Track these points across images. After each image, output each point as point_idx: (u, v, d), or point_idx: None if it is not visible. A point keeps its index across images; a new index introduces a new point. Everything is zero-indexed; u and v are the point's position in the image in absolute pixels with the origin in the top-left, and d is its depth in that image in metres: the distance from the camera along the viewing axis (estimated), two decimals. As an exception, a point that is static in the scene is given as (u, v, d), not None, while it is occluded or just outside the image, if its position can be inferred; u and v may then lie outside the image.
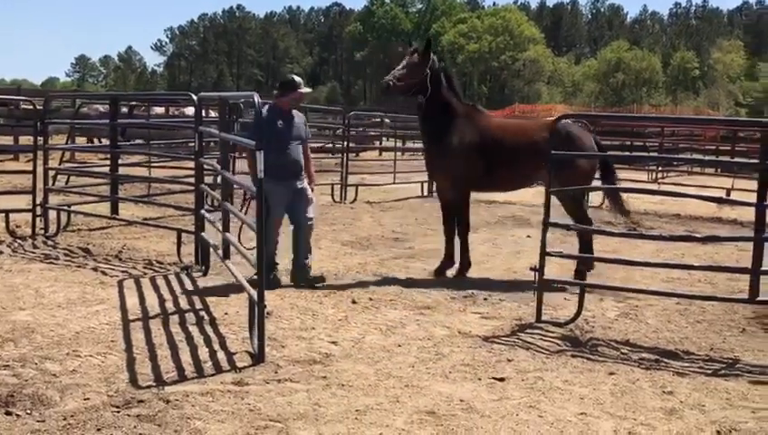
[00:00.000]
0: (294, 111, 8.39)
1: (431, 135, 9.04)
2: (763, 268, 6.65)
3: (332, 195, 16.25)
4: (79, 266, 8.90)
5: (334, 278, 8.73)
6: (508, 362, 6.03)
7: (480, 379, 5.63)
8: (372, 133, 28.24)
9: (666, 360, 6.24)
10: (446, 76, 8.99)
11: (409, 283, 8.66)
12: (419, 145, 27.52)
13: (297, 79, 8.46)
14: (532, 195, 15.32)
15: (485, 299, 8.03)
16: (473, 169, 8.95)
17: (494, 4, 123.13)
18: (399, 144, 25.51)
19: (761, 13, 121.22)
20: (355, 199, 16.08)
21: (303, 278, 8.29)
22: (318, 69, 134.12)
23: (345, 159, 16.63)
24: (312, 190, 8.58)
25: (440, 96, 8.87)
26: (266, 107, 8.07)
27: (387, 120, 26.65)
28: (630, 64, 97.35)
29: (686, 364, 6.17)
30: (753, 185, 7.05)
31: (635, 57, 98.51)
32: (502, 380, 5.60)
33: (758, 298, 6.70)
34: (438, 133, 8.94)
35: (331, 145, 24.89)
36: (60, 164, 14.98)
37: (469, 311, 7.60)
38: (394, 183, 18.29)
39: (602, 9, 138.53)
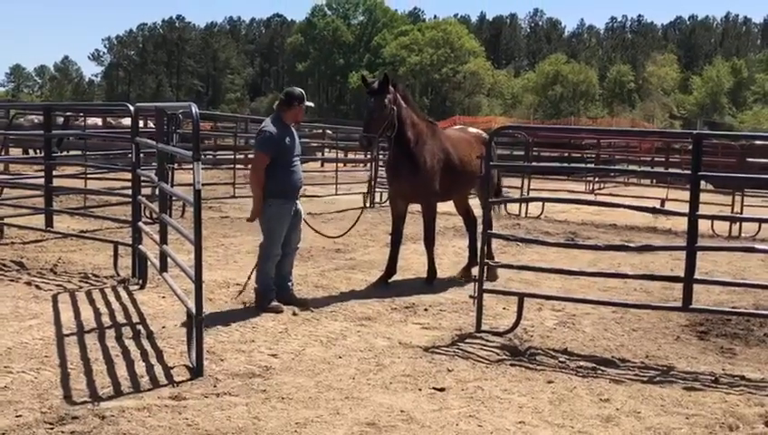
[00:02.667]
0: (291, 127, 8.04)
1: (401, 157, 8.97)
2: (695, 277, 6.80)
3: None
4: (12, 280, 8.69)
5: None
6: (448, 372, 6.06)
7: (420, 389, 5.64)
8: (314, 144, 28.17)
9: (602, 368, 6.34)
10: (403, 98, 8.99)
11: (350, 294, 8.66)
12: (361, 157, 27.59)
13: (303, 92, 8.02)
14: (472, 206, 15.43)
15: (426, 310, 8.07)
16: (441, 183, 9.18)
17: (434, 17, 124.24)
18: (341, 155, 25.50)
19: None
20: (296, 211, 15.98)
21: (291, 299, 7.98)
22: (259, 80, 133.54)
23: (286, 170, 16.50)
24: None
25: (405, 122, 8.90)
26: (270, 120, 7.85)
27: (328, 132, 26.62)
28: (568, 77, 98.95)
29: (623, 372, 6.27)
30: (687, 195, 7.22)
31: (572, 70, 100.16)
32: (442, 390, 5.63)
33: (691, 306, 6.84)
34: (409, 155, 8.94)
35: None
36: (-8, 176, 14.63)
37: (410, 321, 7.62)
38: (336, 194, 18.27)
39: (541, 23, 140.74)
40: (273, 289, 7.88)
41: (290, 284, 8.12)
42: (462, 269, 9.94)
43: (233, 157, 20.56)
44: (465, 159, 9.51)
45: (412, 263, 10.22)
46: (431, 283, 9.27)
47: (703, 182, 8.06)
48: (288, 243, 7.96)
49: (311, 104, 8.26)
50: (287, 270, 8.09)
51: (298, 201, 8.06)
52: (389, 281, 9.21)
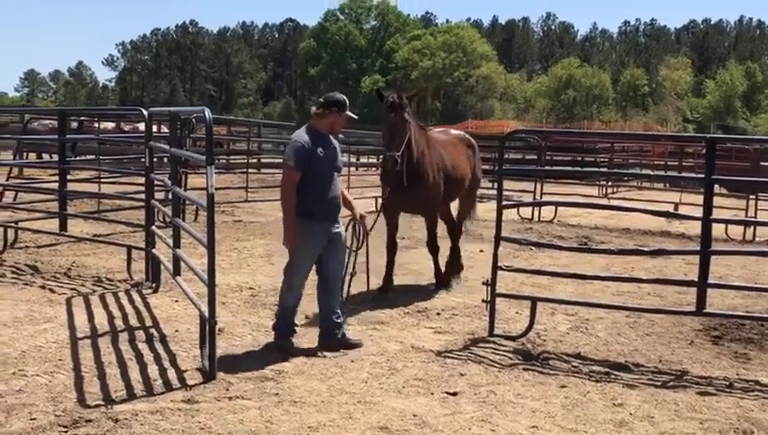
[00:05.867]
0: (331, 137, 6.87)
1: (405, 169, 8.27)
2: (709, 281, 6.77)
3: (286, 210, 16.19)
4: (26, 284, 8.74)
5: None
6: (461, 376, 6.05)
7: (433, 393, 5.64)
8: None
9: (616, 372, 6.32)
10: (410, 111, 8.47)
11: (362, 298, 8.62)
12: (373, 160, 27.57)
13: (344, 99, 6.87)
14: (485, 210, 15.40)
15: (438, 314, 8.06)
16: (440, 191, 9.00)
17: (447, 21, 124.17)
18: (353, 159, 25.52)
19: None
20: (309, 215, 16.01)
21: (328, 343, 6.73)
22: (272, 84, 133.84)
23: (299, 174, 16.53)
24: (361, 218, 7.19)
25: (414, 134, 8.39)
26: (304, 128, 6.77)
27: (340, 136, 26.65)
28: (581, 81, 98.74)
29: (636, 376, 6.24)
30: (700, 199, 7.19)
31: (585, 74, 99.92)
32: (454, 394, 5.62)
33: (705, 311, 6.81)
34: (412, 166, 8.36)
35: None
36: (7, 180, 14.70)
37: (422, 325, 7.61)
38: (348, 198, 18.23)
39: (553, 27, 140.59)
40: (291, 325, 6.77)
41: (337, 325, 6.80)
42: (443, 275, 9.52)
43: (246, 161, 20.61)
44: (455, 164, 9.21)
45: (424, 267, 10.19)
46: (444, 287, 9.21)
47: (716, 186, 8.02)
48: (323, 272, 6.83)
49: (352, 115, 7.00)
50: (329, 306, 6.81)
51: (338, 225, 6.83)
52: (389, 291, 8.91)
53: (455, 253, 9.77)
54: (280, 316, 6.76)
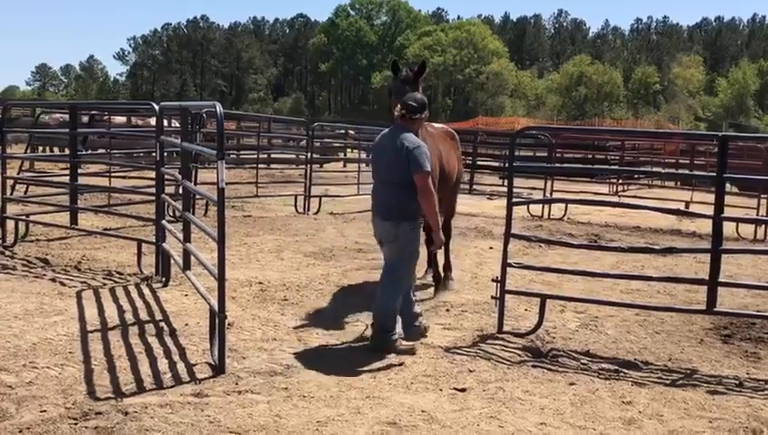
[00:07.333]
0: None
1: None
2: (720, 280, 6.74)
3: (296, 206, 16.22)
4: (37, 277, 8.77)
5: (297, 289, 8.71)
6: (469, 372, 6.05)
7: (441, 389, 5.64)
8: (336, 144, 28.24)
9: (625, 370, 6.30)
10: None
11: (372, 294, 8.62)
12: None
13: None
14: (495, 207, 15.44)
15: (448, 310, 8.05)
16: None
17: (458, 17, 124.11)
18: (363, 156, 25.52)
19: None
20: (318, 210, 16.06)
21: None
22: (282, 80, 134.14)
23: (309, 170, 16.60)
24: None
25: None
26: (413, 135, 6.68)
27: (351, 132, 26.67)
28: (592, 78, 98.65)
29: (645, 374, 6.23)
30: (711, 198, 7.17)
31: (597, 71, 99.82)
32: (463, 390, 5.62)
33: (715, 309, 6.79)
34: None
35: (294, 156, 24.89)
36: (18, 173, 14.78)
37: (432, 322, 7.59)
38: (358, 194, 18.26)
39: (565, 24, 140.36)
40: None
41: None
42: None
43: (256, 156, 20.65)
44: (447, 157, 8.86)
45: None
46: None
47: (728, 184, 7.99)
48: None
49: None
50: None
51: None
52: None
53: (445, 255, 9.39)
54: (388, 322, 6.59)
